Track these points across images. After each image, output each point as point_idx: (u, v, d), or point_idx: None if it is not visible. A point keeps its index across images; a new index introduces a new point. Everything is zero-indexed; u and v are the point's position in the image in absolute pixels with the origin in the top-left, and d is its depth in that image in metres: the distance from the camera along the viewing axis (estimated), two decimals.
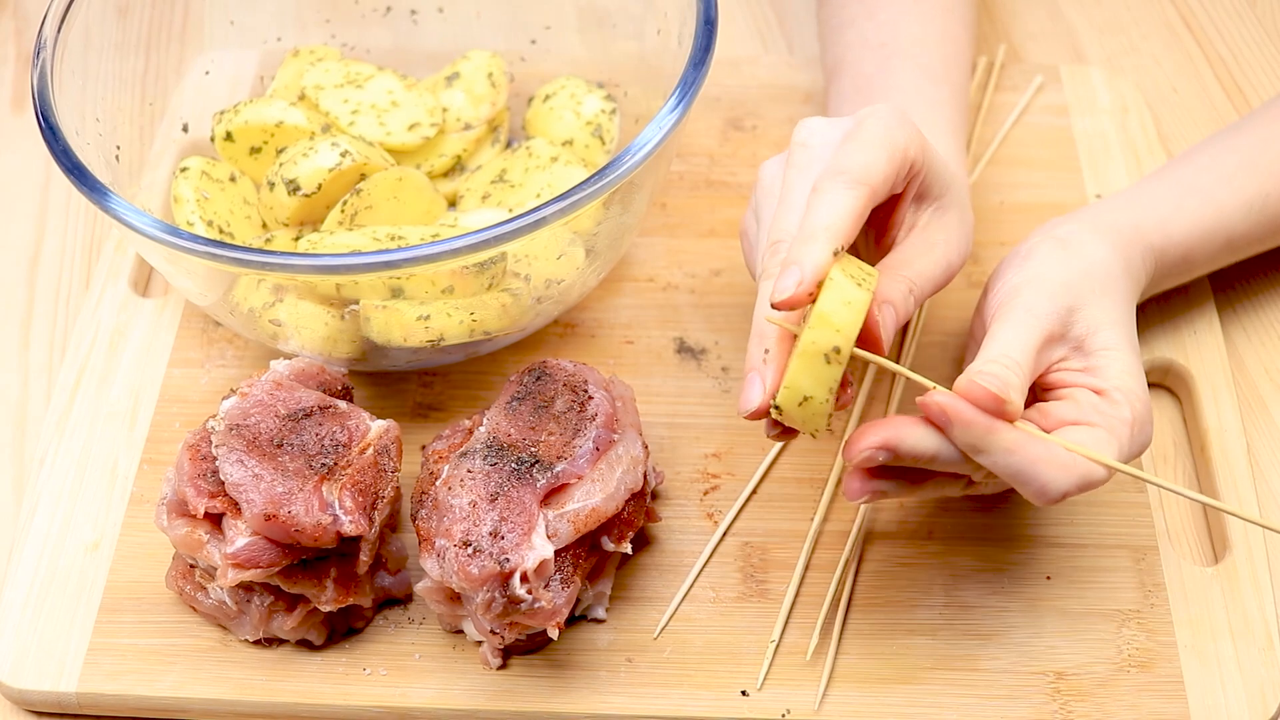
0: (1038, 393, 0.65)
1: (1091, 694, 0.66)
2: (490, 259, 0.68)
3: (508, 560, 0.61)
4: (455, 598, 0.65)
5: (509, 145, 0.85)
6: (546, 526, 0.63)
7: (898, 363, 0.77)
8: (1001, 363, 0.60)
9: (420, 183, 0.78)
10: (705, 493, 0.73)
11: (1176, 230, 0.72)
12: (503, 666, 0.67)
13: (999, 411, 0.58)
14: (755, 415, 0.59)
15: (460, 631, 0.68)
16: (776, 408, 0.58)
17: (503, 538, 0.62)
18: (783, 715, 0.66)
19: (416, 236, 0.74)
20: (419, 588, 0.66)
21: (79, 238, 0.88)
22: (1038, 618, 0.69)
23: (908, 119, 0.64)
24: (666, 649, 0.68)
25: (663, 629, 0.69)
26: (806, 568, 0.70)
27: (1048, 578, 0.70)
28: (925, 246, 0.65)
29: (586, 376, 0.69)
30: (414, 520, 0.66)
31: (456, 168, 0.83)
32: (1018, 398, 0.59)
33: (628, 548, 0.66)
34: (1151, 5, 1.00)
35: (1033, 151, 0.88)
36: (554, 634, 0.63)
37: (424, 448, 0.69)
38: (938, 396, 0.58)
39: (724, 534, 0.72)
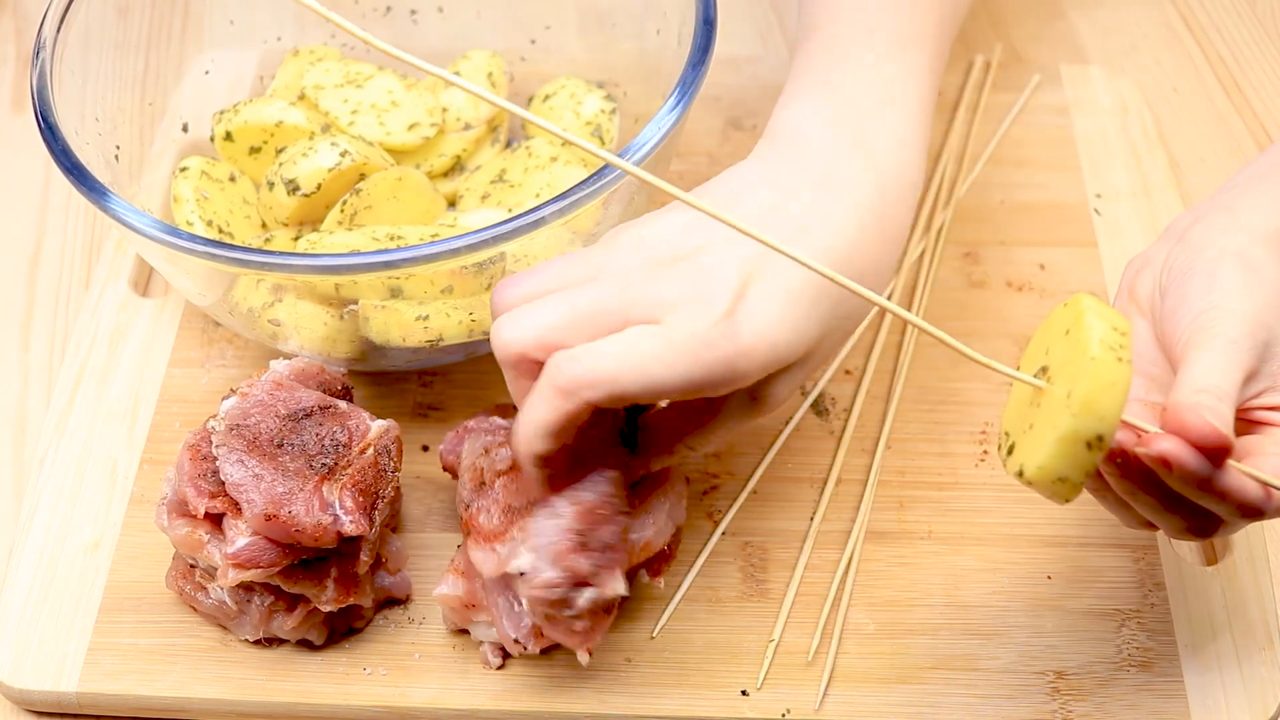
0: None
1: (1091, 694, 0.66)
2: (489, 259, 0.68)
3: (599, 576, 0.60)
4: (472, 605, 0.65)
5: (508, 145, 0.85)
6: None
7: (894, 369, 0.77)
8: (1214, 393, 0.57)
9: (420, 182, 0.78)
10: (705, 492, 0.73)
11: None
12: (502, 666, 0.67)
13: (1221, 447, 0.54)
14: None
15: (463, 631, 0.68)
16: (1020, 473, 0.56)
17: (608, 554, 0.61)
18: (783, 715, 0.66)
19: (416, 236, 0.74)
20: (437, 593, 0.65)
21: (79, 238, 0.88)
22: (1038, 617, 0.69)
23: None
24: (666, 649, 0.68)
25: (662, 628, 0.69)
26: (806, 567, 0.70)
27: (1048, 577, 0.70)
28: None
29: None
30: (466, 510, 0.64)
31: (456, 168, 0.83)
32: (1230, 433, 0.56)
33: (661, 583, 0.66)
34: (1151, 5, 1.00)
35: (1033, 151, 0.88)
36: (584, 659, 0.63)
37: (441, 447, 0.69)
38: (1162, 444, 0.54)
39: (723, 533, 0.72)
